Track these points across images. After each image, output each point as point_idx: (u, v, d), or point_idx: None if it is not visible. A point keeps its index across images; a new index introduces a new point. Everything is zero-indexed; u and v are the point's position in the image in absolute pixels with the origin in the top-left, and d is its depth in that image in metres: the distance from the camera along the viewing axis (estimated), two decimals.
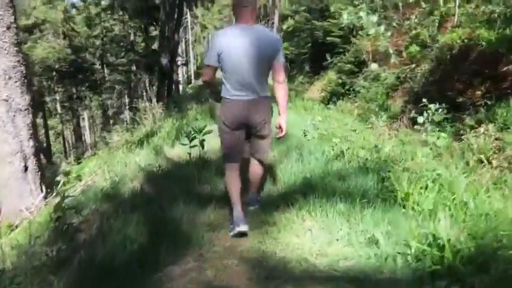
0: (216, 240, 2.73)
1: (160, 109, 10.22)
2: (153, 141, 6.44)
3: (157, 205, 3.23)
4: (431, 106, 5.94)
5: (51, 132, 25.83)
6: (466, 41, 8.54)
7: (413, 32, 10.83)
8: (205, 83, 2.99)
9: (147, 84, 16.66)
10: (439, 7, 10.36)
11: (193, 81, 41.92)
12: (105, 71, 16.77)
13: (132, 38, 19.78)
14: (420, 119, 6.09)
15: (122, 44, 20.13)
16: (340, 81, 10.80)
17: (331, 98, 10.52)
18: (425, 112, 6.00)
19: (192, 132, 4.42)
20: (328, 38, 12.77)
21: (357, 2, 7.07)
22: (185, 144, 4.53)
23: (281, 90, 2.86)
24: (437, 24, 10.50)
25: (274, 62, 2.75)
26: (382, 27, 6.23)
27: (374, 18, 6.03)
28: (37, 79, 16.69)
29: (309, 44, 16.67)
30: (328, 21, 12.70)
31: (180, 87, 42.40)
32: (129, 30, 19.32)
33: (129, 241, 2.56)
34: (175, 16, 16.85)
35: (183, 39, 48.62)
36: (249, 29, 2.68)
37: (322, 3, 14.26)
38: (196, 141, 4.38)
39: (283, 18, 48.47)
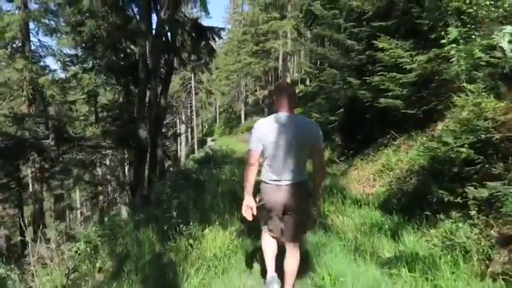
0: None
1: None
2: None
3: None
4: None
5: None
6: None
7: None
8: (250, 167, 3.01)
9: (119, 167, 12.28)
10: None
11: (196, 151, 37.87)
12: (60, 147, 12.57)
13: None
14: None
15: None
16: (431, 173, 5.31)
17: (410, 207, 5.19)
18: None
19: None
20: (384, 101, 8.25)
21: None
22: None
23: (318, 171, 3.04)
24: None
25: (313, 146, 2.94)
26: None
27: None
28: None
29: (341, 110, 12.26)
30: (382, 75, 8.30)
31: (183, 158, 38.55)
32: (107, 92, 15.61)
33: None
34: (162, 75, 12.83)
35: (188, 106, 45.69)
36: (289, 117, 2.94)
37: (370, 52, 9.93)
38: None
39: (294, 82, 45.79)
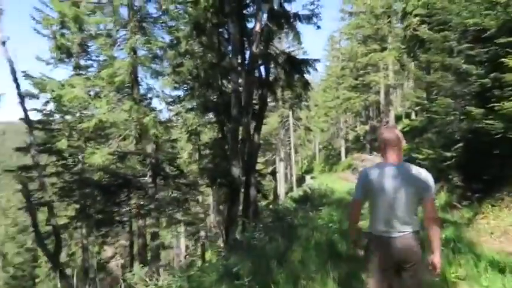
0: None
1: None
2: None
3: None
4: None
5: None
6: None
7: None
8: (352, 217, 2.98)
9: (213, 205, 11.93)
10: None
11: (295, 189, 36.94)
12: (157, 185, 12.71)
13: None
14: None
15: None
16: None
17: None
18: None
19: None
20: None
21: None
22: None
23: (433, 226, 2.81)
24: None
25: (423, 198, 2.78)
26: None
27: None
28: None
29: (459, 144, 10.35)
30: None
31: (282, 196, 37.90)
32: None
33: None
34: (256, 111, 12.45)
35: (287, 143, 45.54)
36: (397, 167, 2.81)
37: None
38: None
39: (398, 117, 42.83)
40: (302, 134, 43.73)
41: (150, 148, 13.79)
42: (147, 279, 4.84)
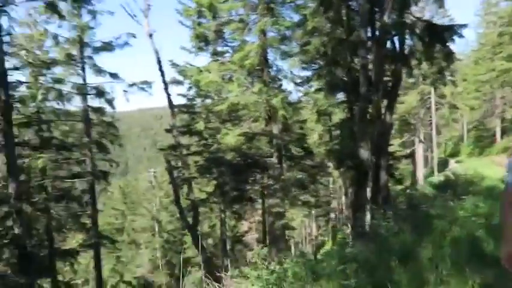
0: None
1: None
2: None
3: None
4: None
5: None
6: None
7: None
8: (508, 207, 2.31)
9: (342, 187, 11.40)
10: None
11: (435, 173, 33.51)
12: (283, 166, 12.69)
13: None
14: None
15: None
16: None
17: None
18: None
19: None
20: None
21: None
22: None
23: None
24: None
25: None
26: None
27: None
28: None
29: None
30: None
31: (420, 180, 34.84)
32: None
33: None
34: (390, 88, 11.38)
35: (428, 123, 41.42)
36: None
37: None
38: None
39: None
40: (446, 113, 39.10)
41: (276, 129, 13.93)
42: (261, 261, 4.80)
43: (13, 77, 12.49)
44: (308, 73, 17.71)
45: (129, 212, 38.39)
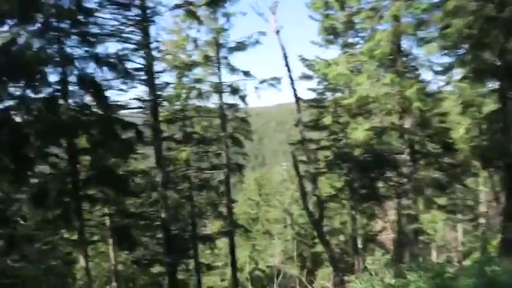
0: None
1: None
2: None
3: None
4: None
5: None
6: None
7: None
8: None
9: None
10: None
11: None
12: (417, 164, 11.22)
13: None
14: None
15: None
16: None
17: None
18: None
19: None
20: None
21: None
22: None
23: None
24: None
25: None
26: None
27: None
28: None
29: None
30: None
31: None
32: None
33: None
34: None
35: None
36: None
37: None
38: None
39: None
40: None
41: (409, 123, 12.72)
42: (380, 269, 4.38)
43: (160, 79, 14.19)
44: (449, 60, 15.76)
45: (263, 203, 40.23)
